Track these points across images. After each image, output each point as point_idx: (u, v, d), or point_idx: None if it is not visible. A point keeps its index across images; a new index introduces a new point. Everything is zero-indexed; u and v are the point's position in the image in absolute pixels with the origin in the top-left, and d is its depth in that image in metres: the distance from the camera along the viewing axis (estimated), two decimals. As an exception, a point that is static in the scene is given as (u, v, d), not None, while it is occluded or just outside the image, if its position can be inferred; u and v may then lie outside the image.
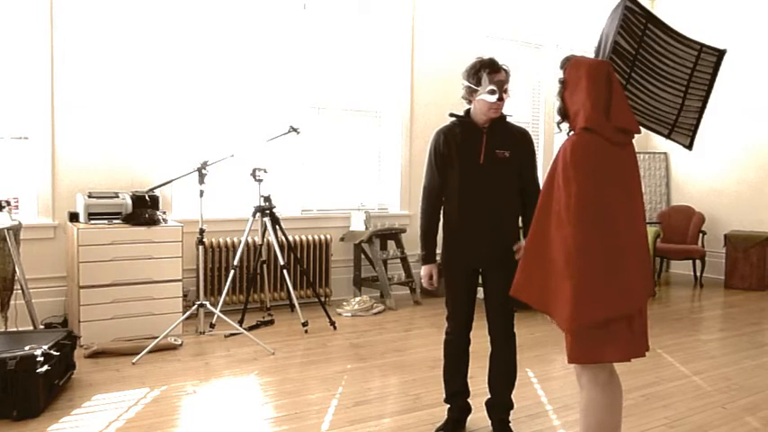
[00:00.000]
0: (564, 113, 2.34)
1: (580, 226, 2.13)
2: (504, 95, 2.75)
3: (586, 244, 2.12)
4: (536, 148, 6.88)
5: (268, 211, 4.84)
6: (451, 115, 2.93)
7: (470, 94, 2.80)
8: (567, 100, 2.31)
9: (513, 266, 2.88)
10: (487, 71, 2.74)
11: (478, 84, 2.75)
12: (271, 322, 5.00)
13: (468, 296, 2.91)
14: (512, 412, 2.96)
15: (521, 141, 2.87)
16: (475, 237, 2.83)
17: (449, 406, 3.03)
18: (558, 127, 2.40)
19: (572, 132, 2.30)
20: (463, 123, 2.86)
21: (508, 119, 2.91)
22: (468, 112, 2.87)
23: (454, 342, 2.97)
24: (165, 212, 4.76)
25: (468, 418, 3.06)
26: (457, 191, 2.84)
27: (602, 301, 2.12)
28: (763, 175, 7.02)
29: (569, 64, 2.32)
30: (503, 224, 2.83)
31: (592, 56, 3.01)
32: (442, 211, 2.94)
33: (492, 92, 2.72)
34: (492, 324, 2.90)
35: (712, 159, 7.44)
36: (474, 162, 2.80)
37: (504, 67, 2.79)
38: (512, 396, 2.95)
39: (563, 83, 2.33)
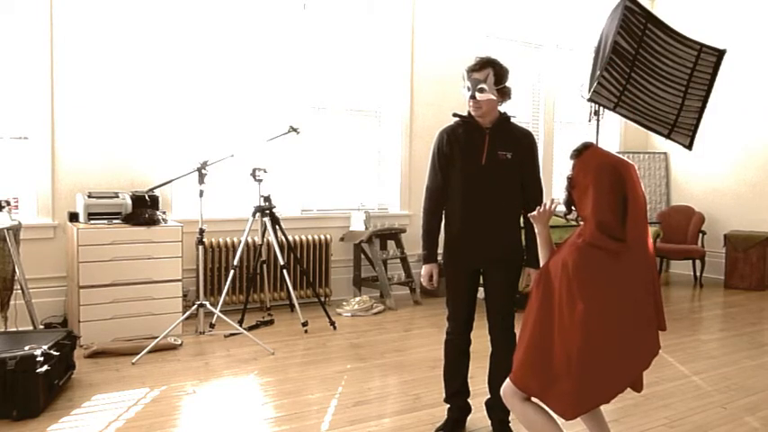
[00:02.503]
0: (571, 207, 2.30)
1: (586, 339, 2.13)
2: (479, 94, 2.74)
3: (590, 352, 2.13)
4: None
5: (268, 211, 4.84)
6: (455, 115, 2.93)
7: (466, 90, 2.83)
8: (576, 200, 2.26)
9: (514, 266, 2.89)
10: (468, 69, 2.79)
11: (464, 81, 2.81)
12: (271, 322, 5.00)
13: (469, 296, 2.91)
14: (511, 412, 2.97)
15: (523, 142, 2.86)
16: (476, 237, 2.83)
17: (449, 406, 3.03)
18: (565, 218, 2.37)
19: (580, 221, 2.28)
20: (466, 124, 2.86)
21: (512, 120, 2.91)
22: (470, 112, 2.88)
23: (455, 342, 2.97)
24: (164, 212, 4.76)
25: (468, 418, 3.06)
26: (459, 191, 2.84)
27: (600, 394, 2.19)
28: (763, 175, 7.02)
29: (579, 161, 2.23)
30: (504, 224, 2.84)
31: (592, 56, 3.00)
32: (445, 212, 2.94)
33: (468, 89, 2.77)
34: (492, 324, 2.90)
35: (712, 159, 7.44)
36: (476, 163, 2.80)
37: (495, 65, 2.78)
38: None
39: (570, 180, 2.26)
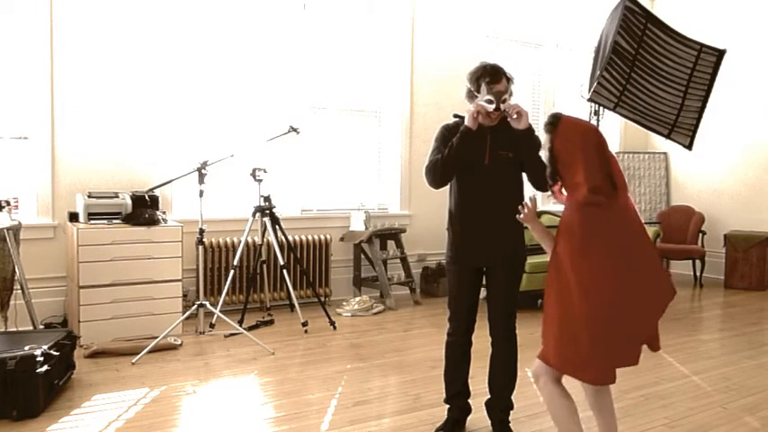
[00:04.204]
0: (555, 179, 2.35)
1: (604, 292, 2.20)
2: (502, 105, 2.74)
3: (610, 305, 2.20)
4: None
5: (268, 211, 4.84)
6: (455, 116, 2.94)
7: (471, 97, 2.81)
8: (561, 171, 2.31)
9: (518, 265, 2.91)
10: (487, 80, 2.72)
11: (478, 90, 2.76)
12: (271, 322, 5.00)
13: (472, 296, 2.91)
14: (511, 412, 2.96)
15: (524, 143, 2.87)
16: (481, 235, 2.84)
17: (448, 406, 3.03)
18: (550, 189, 2.41)
19: (563, 191, 2.37)
20: (456, 126, 2.88)
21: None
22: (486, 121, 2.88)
23: (456, 343, 2.96)
24: (164, 212, 4.76)
25: (468, 418, 3.06)
26: (463, 190, 2.85)
27: (623, 350, 2.25)
28: (763, 175, 7.02)
29: (558, 132, 2.29)
30: (508, 222, 2.83)
31: (592, 56, 3.01)
32: (447, 210, 2.94)
33: (489, 101, 2.72)
34: (494, 324, 2.90)
35: (712, 159, 7.44)
36: (479, 162, 2.81)
37: (507, 75, 2.78)
38: (512, 397, 2.95)
39: (552, 152, 2.31)
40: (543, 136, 2.37)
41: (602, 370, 2.24)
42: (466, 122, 2.76)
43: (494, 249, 2.85)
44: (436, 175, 2.85)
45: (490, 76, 2.73)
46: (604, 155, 2.28)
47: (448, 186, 2.94)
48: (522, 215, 2.48)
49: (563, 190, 2.37)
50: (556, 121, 2.31)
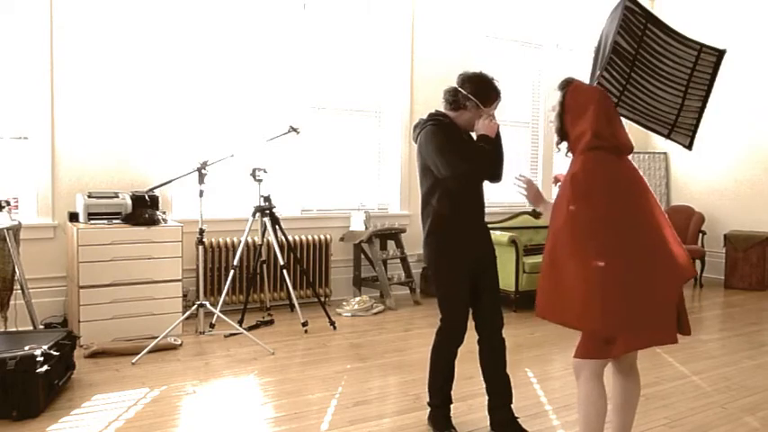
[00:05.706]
0: (563, 135, 2.38)
1: (615, 240, 2.20)
2: None
3: (631, 254, 2.19)
4: (537, 147, 6.85)
5: (268, 211, 4.84)
6: (438, 113, 2.97)
7: (473, 107, 2.85)
8: (569, 124, 2.35)
9: (496, 264, 3.00)
10: (498, 99, 2.88)
11: (487, 103, 2.87)
12: (270, 322, 5.00)
13: (467, 300, 2.89)
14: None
15: (496, 139, 2.95)
16: (474, 236, 2.88)
17: (437, 407, 2.99)
18: (557, 147, 2.45)
19: (569, 153, 2.39)
20: (451, 125, 2.92)
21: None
22: (445, 115, 2.95)
23: (455, 350, 2.91)
24: (164, 212, 4.76)
25: (469, 419, 3.06)
26: (455, 192, 2.85)
27: (634, 317, 2.19)
28: (763, 175, 7.02)
29: (570, 89, 2.36)
30: (485, 223, 3.00)
31: (592, 56, 3.05)
32: (438, 213, 2.90)
33: (492, 116, 2.87)
34: (490, 323, 2.90)
35: (712, 159, 7.44)
36: None
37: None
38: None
39: (563, 106, 2.36)
40: (555, 95, 2.40)
41: (613, 322, 2.16)
42: (488, 132, 2.85)
43: (489, 249, 2.94)
44: (490, 165, 2.88)
45: (497, 96, 2.89)
46: (615, 117, 2.36)
47: (426, 190, 2.88)
48: (540, 210, 2.51)
49: (568, 153, 2.38)
50: (570, 80, 2.41)
